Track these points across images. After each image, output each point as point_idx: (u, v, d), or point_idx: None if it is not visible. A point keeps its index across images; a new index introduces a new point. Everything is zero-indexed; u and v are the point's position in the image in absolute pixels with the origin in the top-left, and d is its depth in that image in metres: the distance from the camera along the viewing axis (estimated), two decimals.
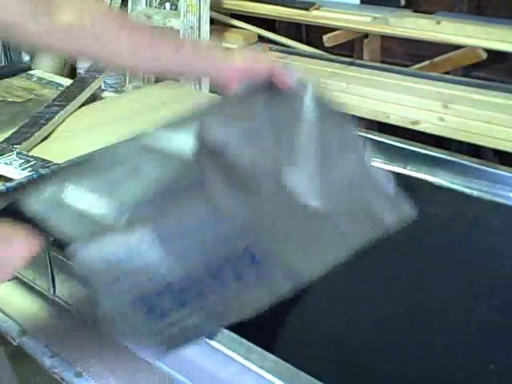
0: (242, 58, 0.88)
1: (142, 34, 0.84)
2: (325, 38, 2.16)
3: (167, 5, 2.35)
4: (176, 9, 2.28)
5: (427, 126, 1.72)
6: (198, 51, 0.88)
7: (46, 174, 0.95)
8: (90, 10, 0.80)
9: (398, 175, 1.07)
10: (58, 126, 1.46)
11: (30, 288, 0.88)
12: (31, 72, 1.85)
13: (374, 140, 1.10)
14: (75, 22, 0.78)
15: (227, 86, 0.88)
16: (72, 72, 2.44)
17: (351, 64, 2.07)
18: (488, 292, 0.80)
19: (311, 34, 2.49)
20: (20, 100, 1.63)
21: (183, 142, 0.80)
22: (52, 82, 1.75)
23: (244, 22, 2.35)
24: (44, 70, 2.05)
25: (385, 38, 2.15)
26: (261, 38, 2.31)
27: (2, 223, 0.65)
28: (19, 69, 1.87)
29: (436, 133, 1.70)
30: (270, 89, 0.88)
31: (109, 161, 0.76)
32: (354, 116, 1.55)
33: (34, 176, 0.97)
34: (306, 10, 2.22)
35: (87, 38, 0.80)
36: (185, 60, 0.87)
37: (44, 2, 0.77)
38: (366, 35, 2.15)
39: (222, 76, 0.87)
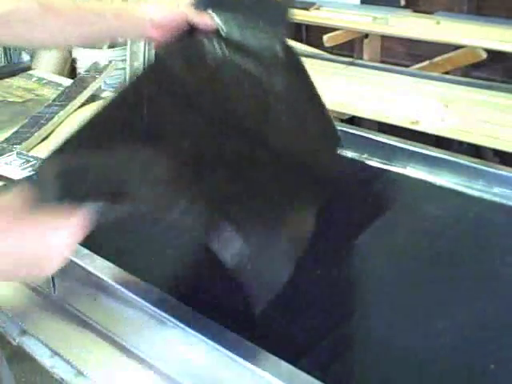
0: (159, 12, 0.91)
1: (66, 14, 0.88)
2: (325, 37, 2.16)
3: None
4: None
5: (427, 126, 1.72)
6: (119, 16, 0.91)
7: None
8: None
9: (397, 175, 1.07)
10: (57, 125, 1.46)
11: (30, 288, 0.88)
12: (31, 72, 1.85)
13: (374, 140, 1.10)
14: (11, 8, 0.82)
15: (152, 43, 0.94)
16: (72, 72, 2.44)
17: (351, 64, 2.07)
18: (488, 292, 0.80)
19: (311, 34, 2.49)
20: (20, 100, 1.62)
21: None
22: (52, 82, 1.75)
23: None
24: (44, 69, 2.05)
25: (385, 38, 2.15)
26: None
27: (41, 211, 0.64)
28: (19, 69, 1.87)
29: (436, 133, 1.70)
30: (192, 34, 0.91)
31: None
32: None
33: (34, 176, 0.97)
34: (306, 9, 2.22)
35: (19, 24, 0.83)
36: (108, 28, 0.91)
37: None
38: (366, 35, 2.15)
39: (145, 36, 0.93)
